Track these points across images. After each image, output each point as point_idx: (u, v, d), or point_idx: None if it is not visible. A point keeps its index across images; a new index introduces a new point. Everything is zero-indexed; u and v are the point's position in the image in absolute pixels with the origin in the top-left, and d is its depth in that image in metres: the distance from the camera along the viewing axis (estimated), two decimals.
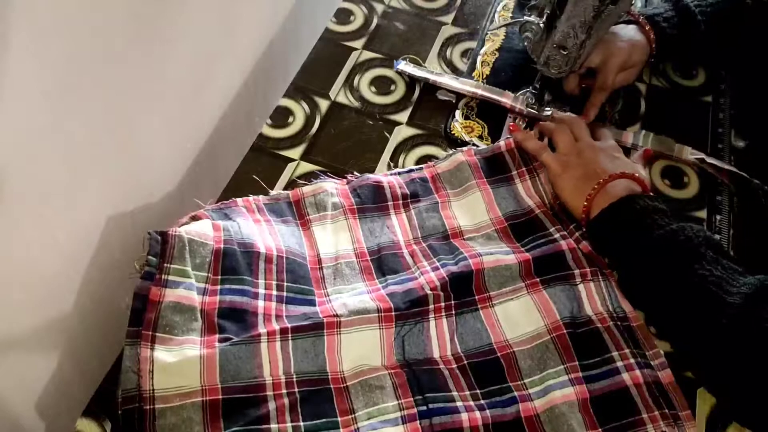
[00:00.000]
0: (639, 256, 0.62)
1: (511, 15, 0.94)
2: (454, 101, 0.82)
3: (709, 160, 0.76)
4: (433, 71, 0.84)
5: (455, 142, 0.78)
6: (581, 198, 0.66)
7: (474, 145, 0.77)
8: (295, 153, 0.75)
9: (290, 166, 0.74)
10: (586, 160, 0.69)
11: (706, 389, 0.60)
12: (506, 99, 0.81)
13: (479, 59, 0.87)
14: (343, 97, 0.81)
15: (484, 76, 0.85)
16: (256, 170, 0.73)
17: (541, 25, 0.72)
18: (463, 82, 0.82)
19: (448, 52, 0.88)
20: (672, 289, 0.59)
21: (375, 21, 0.91)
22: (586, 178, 0.67)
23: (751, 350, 0.54)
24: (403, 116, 0.80)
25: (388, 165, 0.75)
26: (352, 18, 0.91)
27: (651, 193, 0.66)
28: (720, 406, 0.60)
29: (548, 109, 0.80)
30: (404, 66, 0.84)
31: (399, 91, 0.83)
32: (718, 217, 0.74)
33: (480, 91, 0.81)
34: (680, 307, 0.59)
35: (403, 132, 0.78)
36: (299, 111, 0.80)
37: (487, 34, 0.91)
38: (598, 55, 0.77)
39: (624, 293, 0.64)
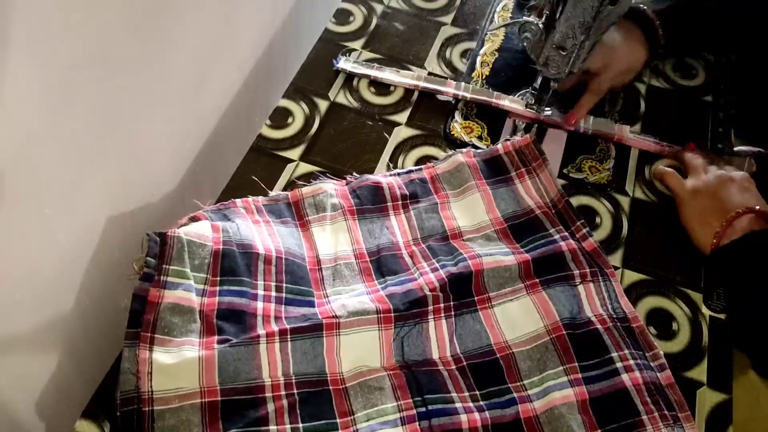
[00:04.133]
0: (757, 294, 0.62)
1: (510, 15, 0.94)
2: (453, 102, 0.82)
3: (643, 138, 0.78)
4: (373, 66, 0.84)
5: (454, 143, 0.78)
6: (709, 232, 0.66)
7: (473, 145, 0.77)
8: (294, 153, 0.75)
9: (290, 167, 0.74)
10: (716, 188, 0.68)
11: None
12: (449, 88, 0.82)
13: (479, 59, 0.87)
14: (343, 98, 0.81)
15: (484, 76, 0.85)
16: (255, 171, 0.73)
17: (541, 25, 0.72)
18: (404, 75, 0.83)
19: (447, 53, 0.88)
20: None
21: (374, 21, 0.91)
22: (714, 210, 0.66)
23: None
24: (402, 117, 0.80)
25: (388, 166, 0.75)
26: (351, 18, 0.91)
27: None
28: None
29: (548, 109, 0.80)
30: (344, 63, 0.84)
31: (398, 91, 0.83)
32: None
33: (422, 83, 0.82)
34: None
35: (402, 132, 0.78)
36: (299, 112, 0.80)
37: (486, 34, 0.91)
38: (598, 60, 0.77)
39: (735, 326, 0.64)
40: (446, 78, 0.84)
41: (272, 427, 0.53)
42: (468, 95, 0.81)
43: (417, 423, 0.55)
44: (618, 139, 0.79)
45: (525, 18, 0.74)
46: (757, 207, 0.65)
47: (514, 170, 0.73)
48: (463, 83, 0.83)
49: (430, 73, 0.84)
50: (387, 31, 0.90)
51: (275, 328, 0.57)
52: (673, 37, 0.80)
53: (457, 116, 0.80)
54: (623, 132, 0.79)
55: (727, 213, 0.66)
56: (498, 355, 0.60)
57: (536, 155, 0.73)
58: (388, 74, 0.83)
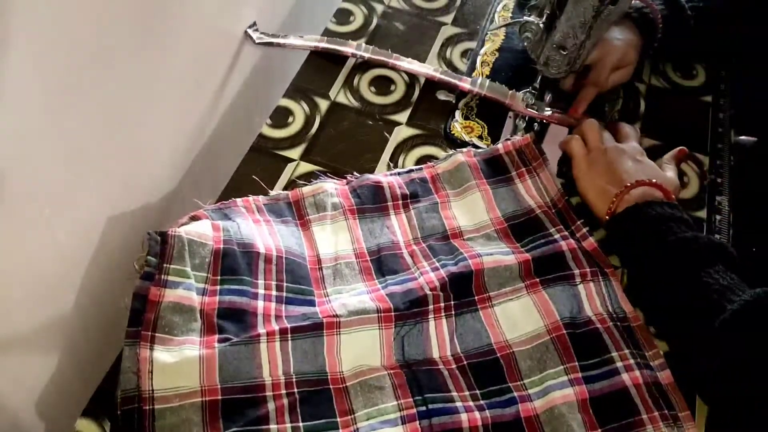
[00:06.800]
0: (649, 260, 0.62)
1: (511, 15, 0.94)
2: (453, 101, 0.82)
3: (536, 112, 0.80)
4: (278, 35, 0.84)
5: (455, 143, 0.78)
6: (605, 201, 0.67)
7: (474, 145, 0.77)
8: (294, 153, 0.75)
9: (290, 167, 0.74)
10: (611, 161, 0.69)
11: (697, 392, 0.60)
12: (349, 48, 0.84)
13: (479, 59, 0.87)
14: (343, 98, 0.81)
15: (484, 76, 0.85)
16: (255, 170, 0.73)
17: (541, 25, 0.72)
18: (307, 39, 0.85)
19: (447, 52, 0.88)
20: (675, 293, 0.60)
21: (375, 21, 0.91)
22: (611, 181, 0.68)
23: (736, 352, 0.55)
24: (402, 116, 0.80)
25: (388, 165, 0.75)
26: (352, 18, 0.91)
27: (673, 200, 0.66)
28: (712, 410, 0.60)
29: (548, 109, 0.80)
30: (251, 32, 0.83)
31: (399, 91, 0.83)
32: (717, 217, 0.74)
33: (322, 44, 0.84)
34: (679, 311, 0.60)
35: (402, 132, 0.78)
36: (299, 111, 0.80)
37: (487, 34, 0.91)
38: (594, 53, 0.77)
39: (631, 294, 0.64)
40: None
41: (272, 426, 0.53)
42: (366, 55, 0.83)
43: (417, 422, 0.55)
44: (509, 105, 0.80)
45: (525, 18, 0.74)
46: (650, 179, 0.66)
47: (514, 170, 0.73)
48: (363, 44, 0.84)
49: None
50: (387, 31, 0.90)
51: (276, 327, 0.57)
52: (668, 38, 0.81)
53: (458, 116, 0.81)
54: (515, 99, 0.80)
55: (623, 183, 0.66)
56: (498, 355, 0.60)
57: (536, 155, 0.73)
58: (291, 40, 0.84)
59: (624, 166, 0.68)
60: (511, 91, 0.81)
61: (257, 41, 0.82)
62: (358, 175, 0.72)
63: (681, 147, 0.75)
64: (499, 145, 0.74)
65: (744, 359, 0.54)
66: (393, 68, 0.83)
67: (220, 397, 0.53)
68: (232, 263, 0.60)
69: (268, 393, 0.55)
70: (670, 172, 0.71)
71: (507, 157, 0.73)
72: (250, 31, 0.83)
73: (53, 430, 0.64)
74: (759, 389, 0.54)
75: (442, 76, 0.82)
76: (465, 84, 0.81)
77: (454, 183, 0.71)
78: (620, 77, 0.81)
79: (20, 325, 0.56)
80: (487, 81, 0.82)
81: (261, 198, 0.68)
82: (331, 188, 0.69)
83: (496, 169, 0.73)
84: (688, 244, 0.60)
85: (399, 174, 0.72)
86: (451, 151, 0.75)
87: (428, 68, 0.83)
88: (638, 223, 0.64)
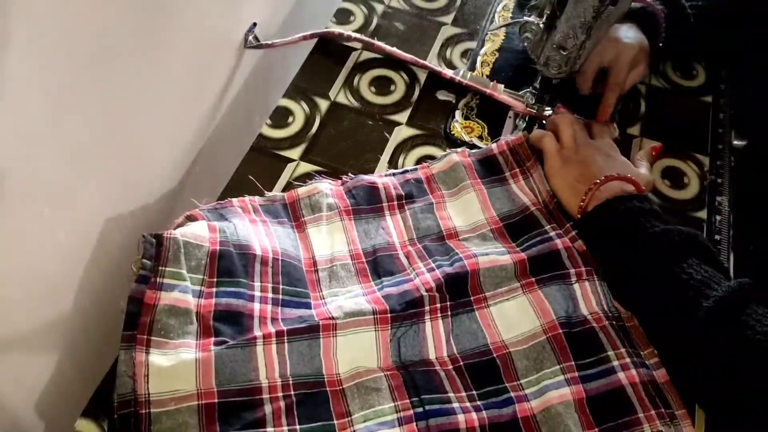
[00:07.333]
0: (620, 259, 0.62)
1: (511, 15, 0.94)
2: (453, 101, 0.82)
3: (515, 97, 0.80)
4: (269, 41, 0.84)
5: (455, 143, 0.78)
6: (577, 199, 0.67)
7: (474, 145, 0.77)
8: (294, 153, 0.75)
9: (290, 167, 0.74)
10: (583, 158, 0.69)
11: (691, 395, 0.60)
12: (333, 29, 0.86)
13: (479, 59, 0.87)
14: (343, 98, 0.82)
15: (484, 76, 0.85)
16: (255, 170, 0.73)
17: (541, 25, 0.72)
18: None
19: (447, 53, 0.88)
20: (650, 292, 0.60)
21: (375, 21, 0.91)
22: (582, 178, 0.67)
23: (718, 351, 0.55)
24: (402, 116, 0.80)
25: (388, 166, 0.75)
26: (352, 18, 0.91)
27: (645, 194, 0.66)
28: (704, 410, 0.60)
29: (548, 109, 0.80)
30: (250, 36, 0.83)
31: (399, 91, 0.83)
32: (717, 217, 0.74)
33: (308, 33, 0.85)
34: (657, 308, 0.60)
35: (402, 132, 0.78)
36: (299, 111, 0.80)
37: (487, 34, 0.91)
38: (608, 53, 0.77)
39: (611, 291, 0.64)
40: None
41: (270, 429, 0.53)
42: (353, 35, 0.85)
43: (414, 423, 0.55)
44: (489, 95, 0.81)
45: (525, 18, 0.74)
46: (617, 173, 0.66)
47: (508, 170, 0.72)
48: (350, 28, 0.87)
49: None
50: (387, 31, 0.90)
51: (272, 329, 0.57)
52: (668, 38, 0.81)
53: (458, 116, 0.81)
54: (496, 89, 0.81)
55: (594, 180, 0.66)
56: (494, 355, 0.60)
57: (529, 155, 0.73)
58: (277, 40, 0.85)
59: (596, 162, 0.68)
60: (492, 82, 0.81)
61: (247, 46, 0.83)
62: (353, 175, 0.72)
63: (654, 144, 0.75)
64: (493, 145, 0.74)
65: (731, 355, 0.54)
66: (378, 50, 0.84)
67: (216, 401, 0.53)
68: (228, 265, 0.60)
69: (265, 396, 0.55)
70: (643, 168, 0.71)
71: (501, 157, 0.73)
72: (248, 34, 0.83)
73: (53, 430, 0.64)
74: (750, 387, 0.54)
75: (425, 62, 0.83)
76: (447, 72, 0.82)
77: (449, 183, 0.71)
78: (637, 77, 0.81)
79: (20, 325, 0.57)
80: (469, 72, 0.83)
81: (257, 199, 0.68)
82: (327, 189, 0.69)
83: (490, 169, 0.73)
84: (657, 240, 0.60)
85: (394, 174, 0.72)
86: (447, 151, 0.75)
87: (410, 55, 0.84)
88: (607, 220, 0.63)
